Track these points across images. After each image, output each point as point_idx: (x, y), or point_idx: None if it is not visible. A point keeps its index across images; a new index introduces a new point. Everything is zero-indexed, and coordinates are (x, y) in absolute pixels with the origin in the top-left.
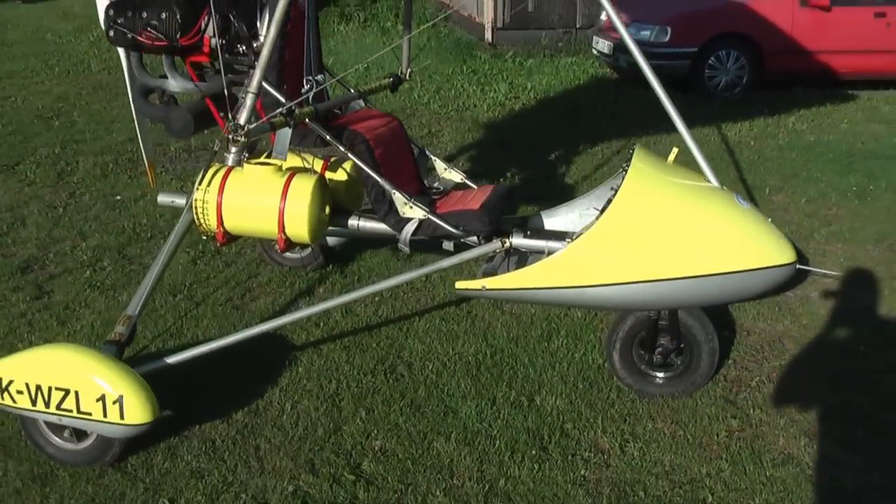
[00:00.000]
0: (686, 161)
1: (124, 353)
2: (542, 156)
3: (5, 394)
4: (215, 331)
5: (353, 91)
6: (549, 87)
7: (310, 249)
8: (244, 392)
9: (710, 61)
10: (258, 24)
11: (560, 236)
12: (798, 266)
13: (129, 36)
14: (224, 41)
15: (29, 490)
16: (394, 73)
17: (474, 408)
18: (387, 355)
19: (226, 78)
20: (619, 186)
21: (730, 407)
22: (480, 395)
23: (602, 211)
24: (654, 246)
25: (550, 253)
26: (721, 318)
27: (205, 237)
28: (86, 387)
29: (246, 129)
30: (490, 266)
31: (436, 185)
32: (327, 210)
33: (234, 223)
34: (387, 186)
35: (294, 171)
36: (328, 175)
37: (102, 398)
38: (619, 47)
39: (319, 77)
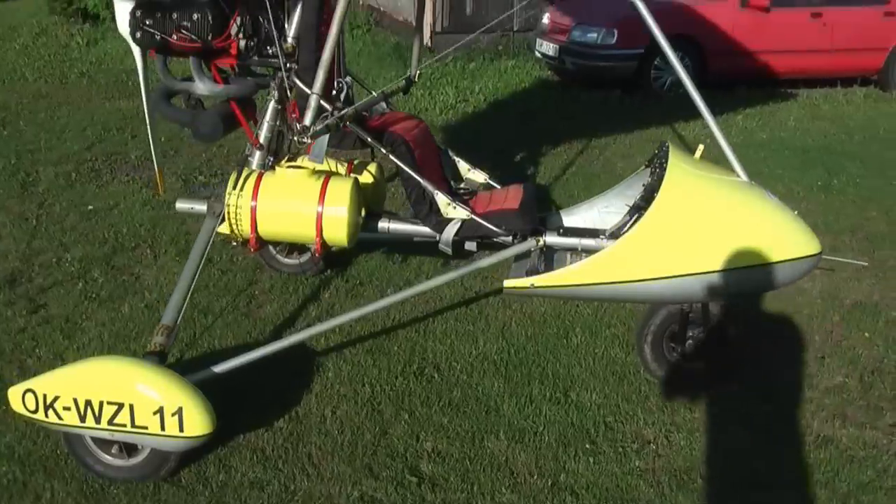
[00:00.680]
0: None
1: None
2: (507, 158)
3: (50, 411)
4: (230, 339)
5: (374, 93)
6: (496, 90)
7: (309, 255)
8: (279, 400)
9: (655, 62)
10: (286, 25)
11: (592, 233)
12: (824, 256)
13: (159, 38)
14: (254, 43)
15: None
16: (406, 76)
17: (514, 406)
18: (411, 358)
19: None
20: (649, 184)
21: (760, 393)
22: (516, 393)
23: (635, 208)
24: (699, 240)
25: (584, 250)
26: None
27: (233, 244)
28: (142, 400)
29: (311, 130)
30: (531, 265)
31: (462, 185)
32: (363, 213)
33: (268, 229)
34: (429, 188)
35: (328, 175)
36: None
37: (160, 411)
38: (565, 49)
39: (347, 79)
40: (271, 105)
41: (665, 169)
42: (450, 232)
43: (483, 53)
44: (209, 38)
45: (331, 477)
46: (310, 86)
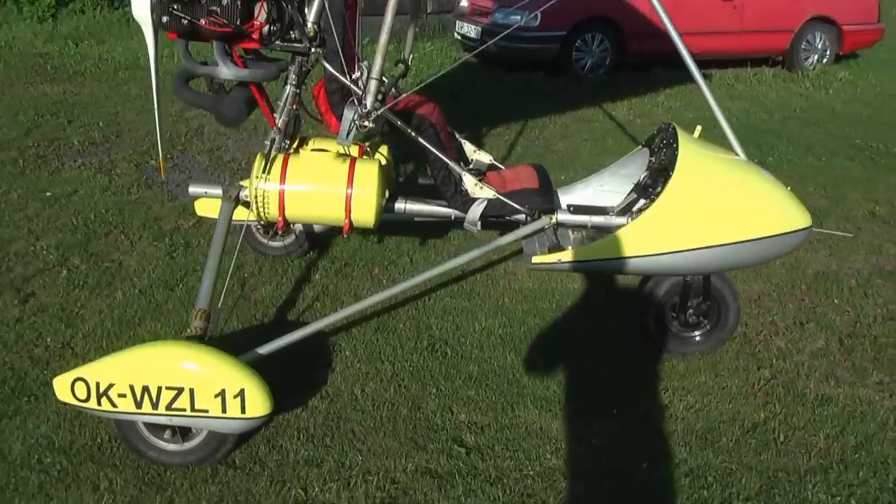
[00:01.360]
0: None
1: None
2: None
3: (104, 398)
4: (238, 322)
5: (384, 78)
6: (419, 72)
7: (294, 237)
8: (307, 381)
9: (576, 44)
10: (306, 9)
11: (601, 211)
12: (814, 229)
13: (187, 22)
14: (276, 27)
15: (147, 497)
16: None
17: (533, 377)
18: (420, 335)
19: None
20: (656, 162)
21: (754, 359)
22: (529, 365)
23: (642, 186)
24: (712, 214)
25: (594, 227)
26: None
27: (259, 225)
28: (203, 383)
29: (373, 113)
30: (551, 242)
31: (471, 166)
32: (386, 194)
33: (297, 211)
34: (456, 169)
35: (353, 157)
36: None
37: (222, 393)
38: (487, 31)
39: (365, 63)
40: (290, 89)
41: (675, 148)
42: (476, 211)
43: (398, 35)
44: (238, 21)
45: (381, 451)
46: (339, 70)
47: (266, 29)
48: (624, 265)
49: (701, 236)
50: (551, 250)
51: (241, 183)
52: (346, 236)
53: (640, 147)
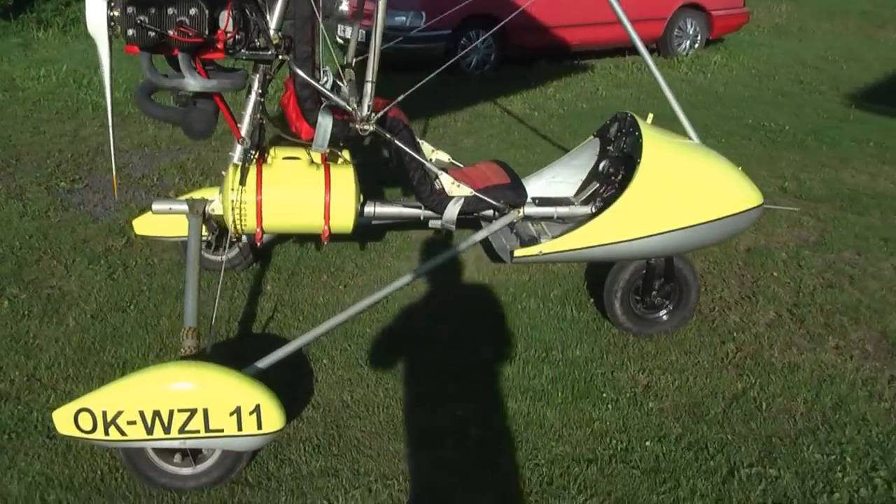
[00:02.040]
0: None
1: None
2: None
3: (112, 427)
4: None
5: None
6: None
7: (237, 250)
8: (294, 392)
9: (462, 42)
10: (268, 16)
11: (564, 202)
12: (765, 206)
13: (154, 34)
14: (243, 36)
15: None
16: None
17: (514, 369)
18: (390, 338)
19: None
20: (614, 151)
21: (716, 335)
22: (509, 356)
23: (603, 174)
24: (679, 197)
25: (560, 217)
26: None
27: (234, 239)
28: (216, 402)
29: (374, 116)
30: (527, 235)
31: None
32: (360, 198)
33: (275, 221)
34: (433, 169)
35: (327, 163)
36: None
37: (237, 411)
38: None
39: (327, 68)
40: (253, 98)
41: (638, 136)
42: (453, 210)
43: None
44: (206, 32)
45: (392, 454)
46: (312, 76)
47: (231, 38)
48: (601, 252)
49: (671, 219)
50: (530, 244)
51: (206, 197)
52: (325, 243)
53: (590, 138)
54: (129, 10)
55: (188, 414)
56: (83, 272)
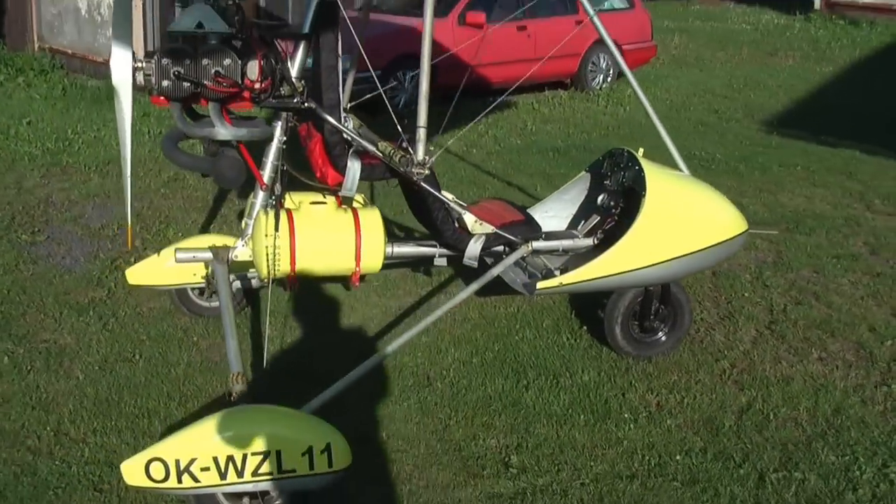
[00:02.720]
0: None
1: None
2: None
3: (185, 475)
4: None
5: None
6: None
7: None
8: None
9: (391, 83)
10: (289, 65)
11: (568, 235)
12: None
13: (189, 85)
14: (269, 84)
15: None
16: None
17: (532, 397)
18: (401, 374)
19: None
20: (613, 185)
21: (707, 354)
22: (522, 386)
23: (603, 208)
24: (681, 226)
25: (565, 250)
26: None
27: (263, 283)
28: (289, 444)
29: (428, 161)
30: (545, 269)
31: None
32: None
33: (308, 264)
34: (456, 208)
35: (354, 207)
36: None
37: (309, 451)
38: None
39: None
40: (274, 145)
41: (639, 170)
42: (475, 247)
43: None
44: (241, 81)
45: (446, 484)
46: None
47: (258, 86)
48: (616, 281)
49: (677, 246)
50: (546, 277)
51: (227, 244)
52: (356, 286)
53: (581, 173)
54: (164, 61)
55: (261, 457)
56: (74, 324)
